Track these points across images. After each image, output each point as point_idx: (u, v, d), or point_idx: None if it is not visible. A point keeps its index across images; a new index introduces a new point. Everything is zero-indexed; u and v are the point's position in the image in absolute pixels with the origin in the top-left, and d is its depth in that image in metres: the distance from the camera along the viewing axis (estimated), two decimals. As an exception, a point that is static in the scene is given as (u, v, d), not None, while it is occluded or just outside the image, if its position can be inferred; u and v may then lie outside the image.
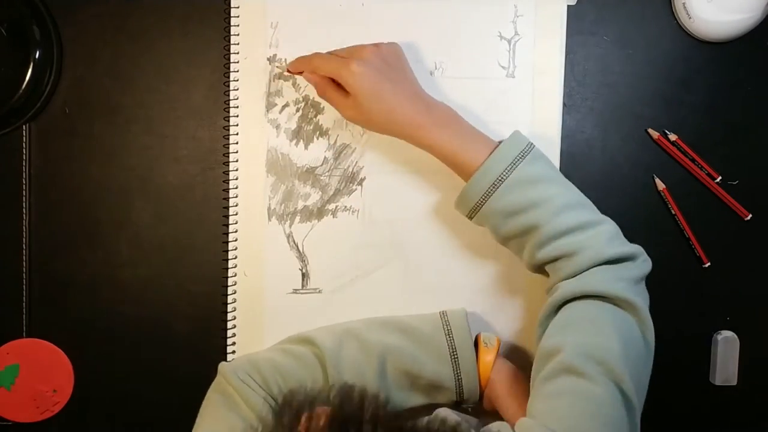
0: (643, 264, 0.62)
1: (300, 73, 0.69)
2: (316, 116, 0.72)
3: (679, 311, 0.74)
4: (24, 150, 0.73)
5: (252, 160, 0.72)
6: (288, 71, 0.70)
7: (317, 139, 0.72)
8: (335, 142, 0.72)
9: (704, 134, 0.73)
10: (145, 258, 0.73)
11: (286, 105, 0.72)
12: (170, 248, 0.73)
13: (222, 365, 0.65)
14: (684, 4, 0.70)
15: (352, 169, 0.72)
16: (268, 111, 0.72)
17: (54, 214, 0.73)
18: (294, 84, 0.72)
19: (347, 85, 0.63)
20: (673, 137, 0.72)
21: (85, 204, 0.73)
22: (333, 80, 0.65)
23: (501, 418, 0.62)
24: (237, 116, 0.72)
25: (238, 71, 0.71)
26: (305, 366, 0.64)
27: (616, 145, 0.73)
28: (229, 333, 0.72)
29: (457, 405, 0.66)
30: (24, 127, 0.72)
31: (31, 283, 0.73)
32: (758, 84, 0.72)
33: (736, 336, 0.73)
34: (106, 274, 0.73)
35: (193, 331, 0.73)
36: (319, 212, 0.73)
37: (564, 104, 0.72)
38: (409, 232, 0.72)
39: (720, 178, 0.72)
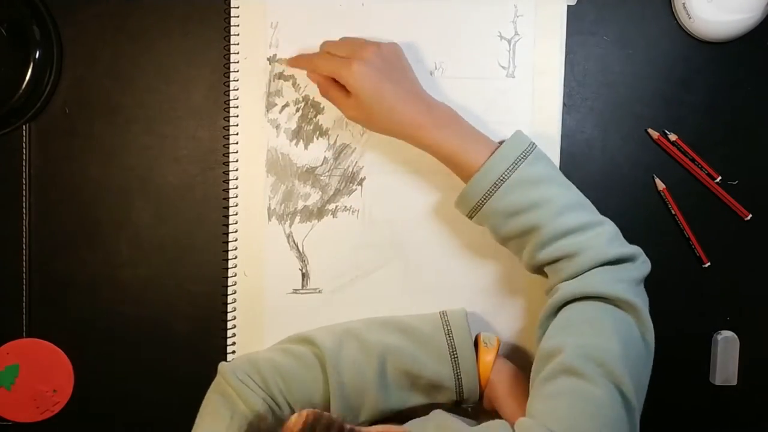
0: (643, 265, 0.62)
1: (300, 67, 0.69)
2: (316, 116, 0.72)
3: (679, 311, 0.74)
4: (24, 150, 0.73)
5: (252, 160, 0.72)
6: (288, 65, 0.70)
7: (317, 139, 0.72)
8: (335, 142, 0.72)
9: (704, 134, 0.72)
10: (145, 258, 0.73)
11: (286, 105, 0.72)
12: (170, 248, 0.73)
13: (222, 365, 0.65)
14: (684, 4, 0.70)
15: (352, 169, 0.72)
16: (268, 111, 0.72)
17: (54, 214, 0.73)
18: (294, 84, 0.72)
19: (348, 85, 0.64)
20: (673, 137, 0.72)
21: (85, 204, 0.73)
22: (335, 79, 0.65)
23: (501, 419, 0.62)
24: (237, 116, 0.72)
25: (238, 71, 0.71)
26: (305, 366, 0.64)
27: (616, 145, 0.73)
28: (229, 333, 0.72)
29: (457, 405, 0.66)
30: (24, 127, 0.72)
31: (31, 283, 0.73)
32: (758, 84, 0.72)
33: (736, 336, 0.73)
34: (106, 274, 0.73)
35: (193, 331, 0.73)
36: (319, 212, 0.73)
37: (564, 104, 0.72)
38: (409, 232, 0.72)
39: (720, 178, 0.72)
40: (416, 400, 0.66)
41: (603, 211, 0.64)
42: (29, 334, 0.74)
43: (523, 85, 0.72)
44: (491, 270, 0.73)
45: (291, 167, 0.72)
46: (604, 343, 0.56)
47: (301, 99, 0.72)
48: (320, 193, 0.73)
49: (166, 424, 0.74)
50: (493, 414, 0.65)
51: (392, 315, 0.69)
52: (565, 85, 0.72)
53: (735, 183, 0.73)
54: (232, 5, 0.71)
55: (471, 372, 0.65)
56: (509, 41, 0.71)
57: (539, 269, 0.64)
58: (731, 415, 0.75)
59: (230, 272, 0.72)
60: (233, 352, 0.72)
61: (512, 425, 0.53)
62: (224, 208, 0.72)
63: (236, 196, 0.72)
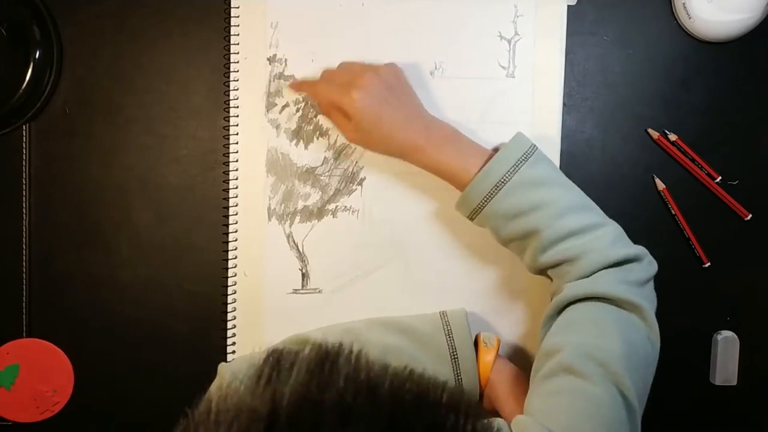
0: (649, 265, 0.62)
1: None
2: (316, 116, 0.72)
3: (679, 311, 0.74)
4: (24, 150, 0.73)
5: (252, 160, 0.72)
6: (290, 90, 0.71)
7: (317, 139, 0.72)
8: (335, 142, 0.72)
9: (704, 134, 0.72)
10: (145, 258, 0.73)
11: (286, 105, 0.72)
12: (170, 248, 0.73)
13: (222, 365, 0.65)
14: (684, 4, 0.70)
15: (352, 169, 0.72)
16: (268, 111, 0.72)
17: (54, 214, 0.73)
18: (294, 84, 0.72)
19: (348, 113, 0.65)
20: (673, 137, 0.72)
21: (85, 204, 0.73)
22: None
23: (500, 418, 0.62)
24: (237, 116, 0.72)
25: (238, 71, 0.71)
26: (305, 366, 0.64)
27: (616, 145, 0.73)
28: (229, 333, 0.72)
29: (457, 405, 0.66)
30: (24, 127, 0.72)
31: (31, 283, 0.73)
32: (758, 84, 0.72)
33: (736, 336, 0.73)
34: (106, 274, 0.73)
35: (193, 331, 0.73)
36: (319, 212, 0.73)
37: (564, 104, 0.72)
38: (409, 232, 0.72)
39: (720, 178, 0.72)
40: (416, 400, 0.65)
41: (603, 211, 0.64)
42: (29, 334, 0.74)
43: (523, 85, 0.72)
44: (491, 270, 0.73)
45: (291, 167, 0.72)
46: (605, 343, 0.56)
47: (301, 99, 0.72)
48: (320, 193, 0.73)
49: (166, 424, 0.73)
50: (494, 414, 0.65)
51: (392, 315, 0.69)
52: (565, 85, 0.72)
53: (735, 183, 0.73)
54: (232, 5, 0.71)
55: (471, 372, 0.65)
56: (509, 41, 0.71)
57: (542, 272, 0.64)
58: (731, 415, 0.75)
59: (230, 272, 0.72)
60: (233, 352, 0.72)
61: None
62: (224, 208, 0.72)
63: (236, 196, 0.72)
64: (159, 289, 0.73)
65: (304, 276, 0.73)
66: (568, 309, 0.60)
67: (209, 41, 0.72)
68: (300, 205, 0.72)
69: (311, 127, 0.72)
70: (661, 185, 0.72)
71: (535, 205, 0.61)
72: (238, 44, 0.71)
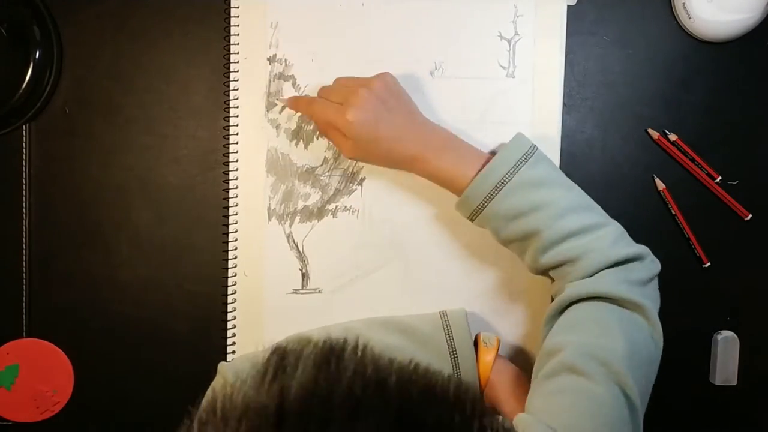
0: (651, 264, 0.62)
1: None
2: (316, 116, 0.72)
3: (679, 311, 0.73)
4: (24, 150, 0.73)
5: (252, 160, 0.72)
6: (287, 106, 0.71)
7: (317, 139, 0.72)
8: (335, 142, 0.72)
9: (704, 134, 0.72)
10: (145, 258, 0.73)
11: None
12: (170, 248, 0.73)
13: (221, 365, 0.65)
14: (684, 4, 0.70)
15: (352, 169, 0.72)
16: (268, 111, 0.72)
17: (54, 214, 0.73)
18: (294, 84, 0.72)
19: (345, 132, 0.64)
20: (673, 137, 0.72)
21: (85, 204, 0.73)
22: None
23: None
24: (237, 116, 0.72)
25: (238, 71, 0.71)
26: (305, 366, 0.64)
27: (616, 145, 0.73)
28: (229, 333, 0.72)
29: (457, 405, 0.66)
30: (24, 127, 0.72)
31: (31, 283, 0.73)
32: (758, 84, 0.72)
33: (736, 336, 0.73)
34: (106, 274, 0.73)
35: (193, 331, 0.73)
36: (319, 212, 0.73)
37: (564, 104, 0.72)
38: (409, 232, 0.72)
39: (720, 178, 0.72)
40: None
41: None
42: (29, 334, 0.74)
43: (523, 85, 0.72)
44: (491, 270, 0.73)
45: (291, 167, 0.72)
46: (608, 342, 0.56)
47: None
48: (320, 193, 0.73)
49: (166, 424, 0.73)
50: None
51: (392, 315, 0.69)
52: (565, 85, 0.72)
53: (735, 183, 0.73)
54: (232, 5, 0.71)
55: (471, 372, 0.65)
56: (509, 41, 0.71)
57: (543, 272, 0.64)
58: (731, 415, 0.75)
59: (230, 272, 0.72)
60: (233, 352, 0.72)
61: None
62: (224, 208, 0.72)
63: (236, 196, 0.72)
64: (159, 289, 0.73)
65: (304, 276, 0.73)
66: (570, 309, 0.60)
67: (209, 41, 0.72)
68: (300, 205, 0.72)
69: (311, 127, 0.72)
70: (661, 185, 0.72)
71: (535, 205, 0.61)
72: (238, 44, 0.71)
